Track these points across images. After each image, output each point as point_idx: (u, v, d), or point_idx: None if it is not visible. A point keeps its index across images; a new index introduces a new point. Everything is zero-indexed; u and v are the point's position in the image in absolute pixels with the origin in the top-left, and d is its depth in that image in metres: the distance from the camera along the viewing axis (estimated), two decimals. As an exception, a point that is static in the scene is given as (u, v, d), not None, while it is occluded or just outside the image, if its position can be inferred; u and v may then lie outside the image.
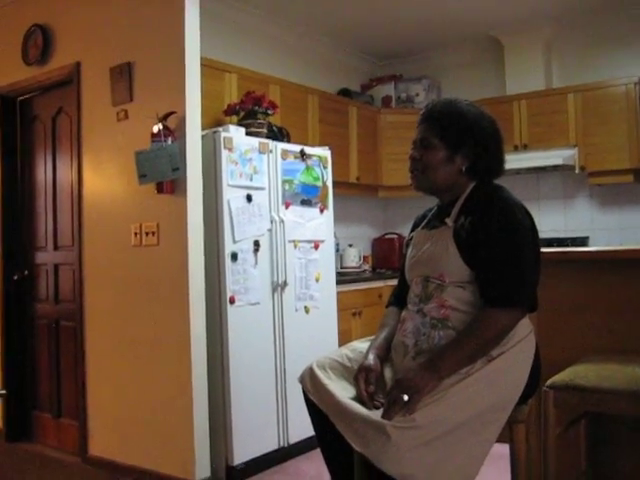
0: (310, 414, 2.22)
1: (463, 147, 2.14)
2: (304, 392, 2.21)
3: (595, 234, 5.66)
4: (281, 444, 3.97)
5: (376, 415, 1.89)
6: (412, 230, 2.38)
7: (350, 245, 6.00)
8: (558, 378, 2.32)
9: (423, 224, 2.31)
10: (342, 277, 5.18)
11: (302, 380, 2.21)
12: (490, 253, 1.99)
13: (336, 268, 4.75)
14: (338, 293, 4.55)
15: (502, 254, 1.99)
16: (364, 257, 6.18)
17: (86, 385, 4.07)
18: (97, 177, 4.04)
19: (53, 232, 4.44)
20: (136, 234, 3.76)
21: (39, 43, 4.33)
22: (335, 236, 4.74)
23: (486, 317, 1.96)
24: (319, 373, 2.15)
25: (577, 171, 5.45)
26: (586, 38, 5.77)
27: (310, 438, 3.64)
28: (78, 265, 4.12)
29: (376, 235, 6.59)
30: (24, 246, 4.63)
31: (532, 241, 2.07)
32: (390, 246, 6.25)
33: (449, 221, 2.12)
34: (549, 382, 2.31)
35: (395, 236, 6.30)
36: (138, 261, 3.78)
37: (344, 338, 4.32)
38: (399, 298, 2.34)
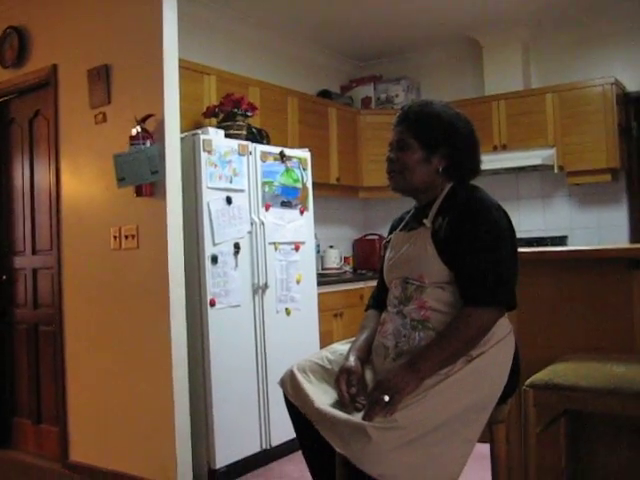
0: (291, 417, 2.21)
1: (439, 148, 2.16)
2: (285, 395, 2.20)
3: (574, 233, 5.71)
4: (263, 446, 3.96)
5: (357, 417, 1.89)
6: (390, 232, 2.38)
7: (331, 246, 6.00)
8: (537, 377, 2.33)
9: (401, 226, 2.32)
10: (323, 278, 5.18)
11: (283, 384, 2.21)
12: (468, 253, 2.00)
13: (317, 269, 4.76)
14: (319, 294, 4.55)
15: (480, 254, 2.00)
16: (345, 258, 6.18)
17: (66, 390, 4.04)
18: (75, 180, 4.01)
19: (31, 236, 4.40)
20: (115, 237, 3.74)
21: (15, 45, 4.30)
22: (316, 237, 4.75)
23: (465, 316, 1.97)
24: (299, 376, 2.15)
25: (556, 171, 5.50)
26: (563, 39, 5.82)
27: (292, 440, 3.63)
28: (57, 269, 4.08)
29: (357, 236, 6.60)
30: (2, 250, 4.59)
31: (509, 240, 2.08)
32: (371, 247, 6.26)
33: (427, 222, 2.12)
34: (529, 381, 2.33)
35: (376, 237, 6.31)
36: (118, 264, 3.75)
37: (325, 339, 4.31)
38: (378, 301, 2.34)
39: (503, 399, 2.06)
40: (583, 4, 5.39)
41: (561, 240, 5.65)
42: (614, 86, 5.26)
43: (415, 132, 2.17)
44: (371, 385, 2.05)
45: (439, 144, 2.15)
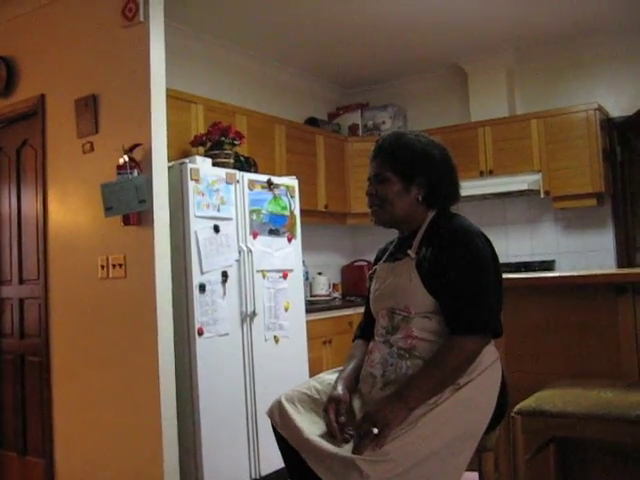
0: (280, 447, 2.19)
1: (416, 177, 2.18)
2: (273, 426, 2.19)
3: (561, 257, 5.75)
4: (253, 476, 3.92)
5: (346, 450, 1.88)
6: (374, 263, 2.40)
7: (319, 273, 6.01)
8: (525, 404, 2.34)
9: (385, 257, 2.33)
10: (312, 305, 5.17)
11: (271, 414, 2.20)
12: (452, 282, 2.01)
13: (306, 296, 4.75)
14: (308, 322, 4.54)
15: (464, 282, 2.01)
16: (334, 285, 6.19)
17: (53, 422, 4.00)
18: (63, 209, 4.00)
19: (18, 265, 4.37)
20: (103, 267, 3.72)
21: (3, 75, 4.31)
22: (304, 264, 4.75)
23: (451, 345, 1.98)
24: (288, 407, 2.14)
25: (542, 196, 5.54)
26: (547, 65, 5.90)
27: (282, 470, 3.60)
28: (44, 299, 4.06)
29: (345, 262, 6.61)
30: (-12, 280, 4.56)
31: (493, 268, 2.10)
32: (360, 273, 6.26)
33: (411, 253, 2.14)
34: (516, 408, 2.33)
35: (364, 263, 6.32)
36: (105, 294, 3.74)
37: (315, 367, 4.30)
38: (365, 330, 2.35)
39: (491, 427, 2.06)
40: (565, 30, 5.47)
41: (548, 264, 5.68)
42: (598, 112, 5.33)
43: (391, 165, 2.19)
44: (359, 414, 2.05)
45: (416, 174, 2.18)
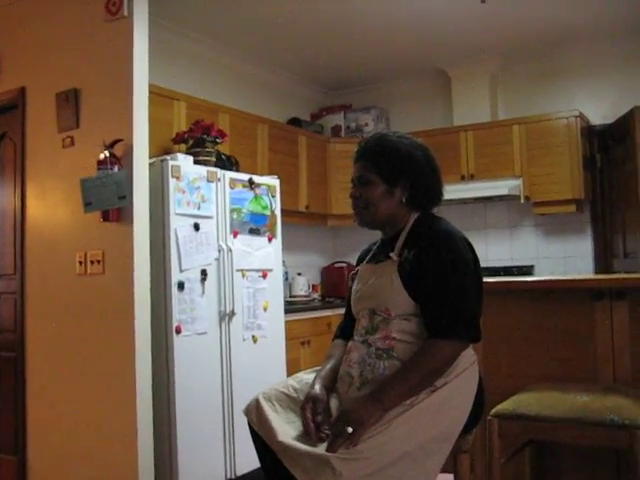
0: (256, 446, 2.19)
1: (400, 179, 2.18)
2: (249, 425, 2.19)
3: (540, 262, 5.78)
4: (228, 476, 3.90)
5: (320, 449, 1.88)
6: (357, 264, 2.40)
7: (299, 274, 6.00)
8: (502, 407, 2.35)
9: (368, 258, 2.34)
10: (291, 306, 5.16)
11: (248, 412, 2.19)
12: (433, 286, 2.02)
13: (285, 297, 4.74)
14: (287, 322, 4.53)
15: (444, 287, 2.02)
16: (313, 286, 6.18)
17: (26, 419, 3.95)
18: (41, 204, 3.96)
19: (-6, 260, 4.33)
20: (81, 263, 3.69)
21: (-17, 68, 4.26)
22: (284, 264, 4.74)
23: (430, 348, 1.99)
24: (265, 405, 2.14)
25: (522, 201, 5.57)
26: (530, 72, 5.95)
27: (257, 470, 3.58)
28: (20, 294, 4.01)
29: (325, 264, 6.60)
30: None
31: (473, 273, 2.11)
32: (339, 275, 6.26)
33: (393, 255, 2.14)
34: (493, 411, 2.34)
35: (344, 265, 6.31)
36: (83, 290, 3.70)
37: (292, 367, 4.29)
38: (345, 330, 2.35)
39: (467, 429, 2.07)
40: (549, 38, 5.51)
41: (528, 269, 5.71)
42: (579, 119, 5.37)
43: (375, 167, 2.20)
44: (336, 414, 2.04)
45: (399, 176, 2.18)
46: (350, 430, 1.85)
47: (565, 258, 5.71)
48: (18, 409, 3.98)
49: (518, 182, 5.54)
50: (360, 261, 2.39)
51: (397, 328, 2.06)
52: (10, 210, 4.18)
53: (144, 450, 3.44)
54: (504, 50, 5.80)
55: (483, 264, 5.67)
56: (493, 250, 5.98)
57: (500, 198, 5.76)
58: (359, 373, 2.08)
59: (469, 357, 2.09)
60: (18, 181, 4.07)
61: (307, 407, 2.05)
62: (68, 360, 3.76)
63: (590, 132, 5.60)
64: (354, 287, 2.31)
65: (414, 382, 1.95)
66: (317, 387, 2.13)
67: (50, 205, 3.91)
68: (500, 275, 5.43)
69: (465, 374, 2.04)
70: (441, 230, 2.14)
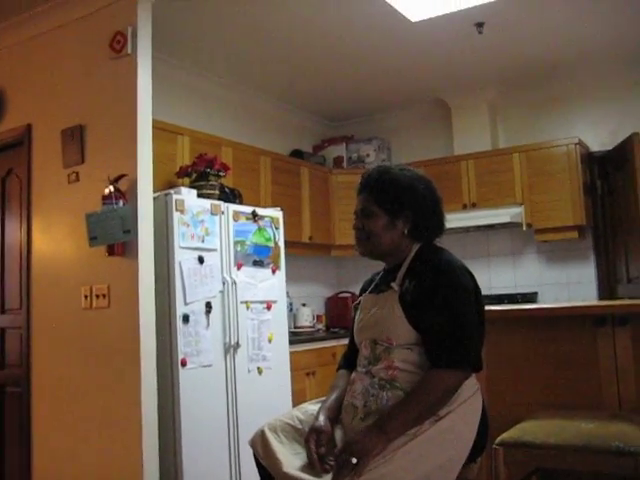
0: (261, 478, 2.19)
1: (402, 211, 2.21)
2: (255, 456, 2.19)
3: (543, 289, 5.78)
4: (235, 509, 3.89)
5: (325, 480, 1.89)
6: (360, 294, 2.42)
7: (303, 304, 6.00)
8: (507, 435, 2.34)
9: (370, 288, 2.35)
10: (295, 337, 5.17)
11: (253, 444, 2.19)
12: (434, 316, 2.04)
13: (289, 328, 4.76)
14: (291, 353, 4.54)
15: (445, 317, 2.03)
16: (318, 316, 6.18)
17: (31, 454, 3.94)
18: (47, 239, 4.00)
19: (0, 295, 4.35)
20: (86, 297, 3.72)
21: (-10, 105, 4.33)
22: (288, 295, 4.75)
23: (431, 378, 2.00)
24: (270, 436, 2.14)
25: (524, 228, 5.60)
26: (529, 100, 6.01)
27: (264, 502, 3.58)
28: (26, 329, 4.03)
29: (329, 294, 6.61)
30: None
31: (474, 302, 2.12)
32: (344, 305, 6.26)
33: (395, 285, 2.16)
34: (498, 440, 2.34)
35: (349, 295, 6.32)
36: (88, 324, 3.72)
37: (298, 398, 4.28)
38: (349, 361, 2.36)
39: (472, 457, 2.07)
40: (546, 66, 5.58)
41: (531, 296, 5.71)
42: (578, 146, 5.42)
43: (377, 199, 2.22)
44: (340, 445, 2.05)
45: (401, 208, 2.21)
46: (354, 461, 1.85)
47: (569, 285, 5.71)
48: (23, 445, 3.97)
49: (520, 209, 5.57)
50: (363, 291, 2.41)
51: (399, 357, 2.07)
52: (16, 245, 4.22)
53: (150, 484, 3.44)
54: (503, 79, 5.87)
55: (487, 292, 5.66)
56: (496, 278, 5.98)
57: (502, 226, 5.78)
58: (363, 404, 2.09)
59: (472, 386, 2.10)
60: (24, 216, 4.12)
61: (311, 439, 2.05)
62: (74, 394, 3.76)
63: (590, 159, 5.65)
64: (357, 317, 2.33)
65: (417, 412, 1.95)
66: (321, 418, 2.14)
67: (56, 240, 3.95)
68: (504, 302, 5.43)
69: (468, 403, 2.05)
70: (441, 260, 2.16)
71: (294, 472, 1.97)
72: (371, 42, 4.92)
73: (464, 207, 5.75)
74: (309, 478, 1.92)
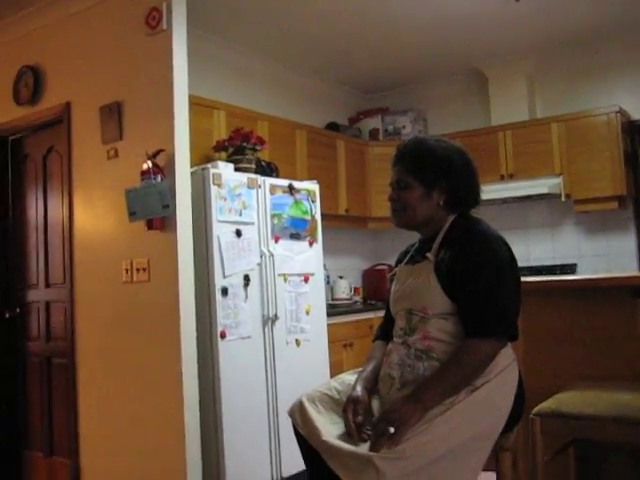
0: (300, 448, 2.23)
1: (438, 182, 2.21)
2: (294, 426, 2.23)
3: (583, 261, 5.72)
4: (274, 478, 3.96)
5: (363, 449, 1.92)
6: (396, 265, 2.44)
7: (340, 277, 6.03)
8: (544, 406, 2.35)
9: (406, 259, 2.37)
10: (333, 309, 5.21)
11: (292, 414, 2.23)
12: (470, 285, 2.04)
13: (327, 300, 4.78)
14: (329, 325, 4.57)
15: (481, 286, 2.03)
16: (355, 289, 6.21)
17: (78, 423, 4.07)
18: (88, 215, 4.08)
19: (45, 270, 4.46)
20: (127, 270, 3.79)
21: (30, 84, 4.40)
22: (325, 268, 4.78)
23: (468, 348, 2.01)
24: (308, 406, 2.18)
25: (563, 199, 5.54)
26: (567, 69, 5.90)
27: (303, 471, 3.63)
28: (69, 302, 4.14)
29: (366, 266, 6.63)
30: (16, 284, 4.65)
31: (510, 272, 2.12)
32: (380, 277, 6.27)
33: (430, 255, 2.17)
34: (535, 410, 2.35)
35: (385, 267, 6.33)
36: (129, 297, 3.80)
37: (336, 370, 4.32)
38: (385, 332, 2.38)
39: (508, 427, 2.08)
40: (585, 35, 5.47)
41: (570, 268, 5.66)
42: (619, 114, 5.31)
43: (413, 171, 2.23)
44: (377, 414, 2.08)
45: (437, 179, 2.21)
46: (392, 430, 1.88)
47: (608, 255, 5.64)
48: (70, 413, 4.10)
49: (558, 180, 5.51)
50: (398, 262, 2.43)
51: (435, 327, 2.09)
52: (58, 221, 4.32)
53: (192, 453, 3.52)
54: (540, 48, 5.77)
55: (525, 264, 5.63)
56: (535, 249, 5.94)
57: (540, 197, 5.72)
58: (399, 374, 2.11)
59: (508, 356, 2.10)
60: (65, 192, 4.20)
61: (349, 408, 2.09)
62: (117, 366, 3.86)
63: (631, 127, 5.54)
64: (393, 288, 2.34)
65: (453, 382, 1.97)
66: (358, 389, 2.17)
67: (96, 215, 4.02)
68: (542, 274, 5.40)
69: (504, 373, 2.06)
70: (477, 230, 2.16)
71: (333, 440, 2.00)
72: (407, 12, 4.87)
73: (501, 178, 5.70)
74: (347, 446, 1.95)
